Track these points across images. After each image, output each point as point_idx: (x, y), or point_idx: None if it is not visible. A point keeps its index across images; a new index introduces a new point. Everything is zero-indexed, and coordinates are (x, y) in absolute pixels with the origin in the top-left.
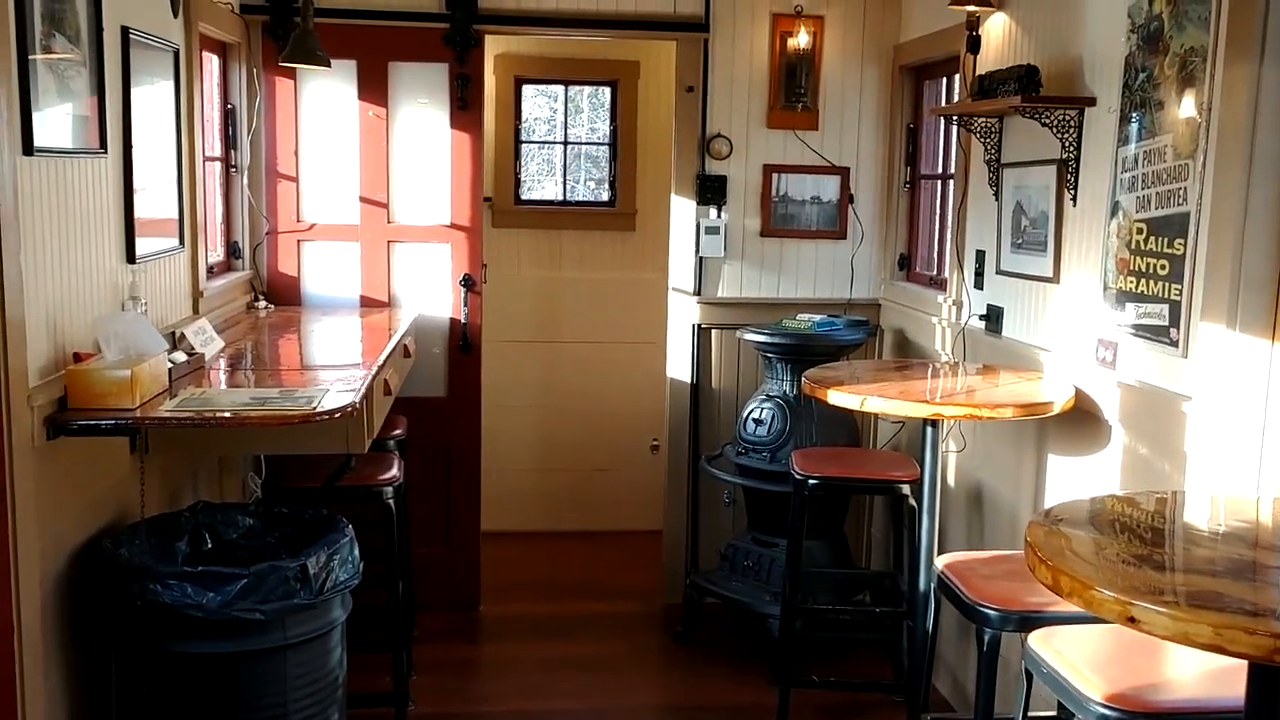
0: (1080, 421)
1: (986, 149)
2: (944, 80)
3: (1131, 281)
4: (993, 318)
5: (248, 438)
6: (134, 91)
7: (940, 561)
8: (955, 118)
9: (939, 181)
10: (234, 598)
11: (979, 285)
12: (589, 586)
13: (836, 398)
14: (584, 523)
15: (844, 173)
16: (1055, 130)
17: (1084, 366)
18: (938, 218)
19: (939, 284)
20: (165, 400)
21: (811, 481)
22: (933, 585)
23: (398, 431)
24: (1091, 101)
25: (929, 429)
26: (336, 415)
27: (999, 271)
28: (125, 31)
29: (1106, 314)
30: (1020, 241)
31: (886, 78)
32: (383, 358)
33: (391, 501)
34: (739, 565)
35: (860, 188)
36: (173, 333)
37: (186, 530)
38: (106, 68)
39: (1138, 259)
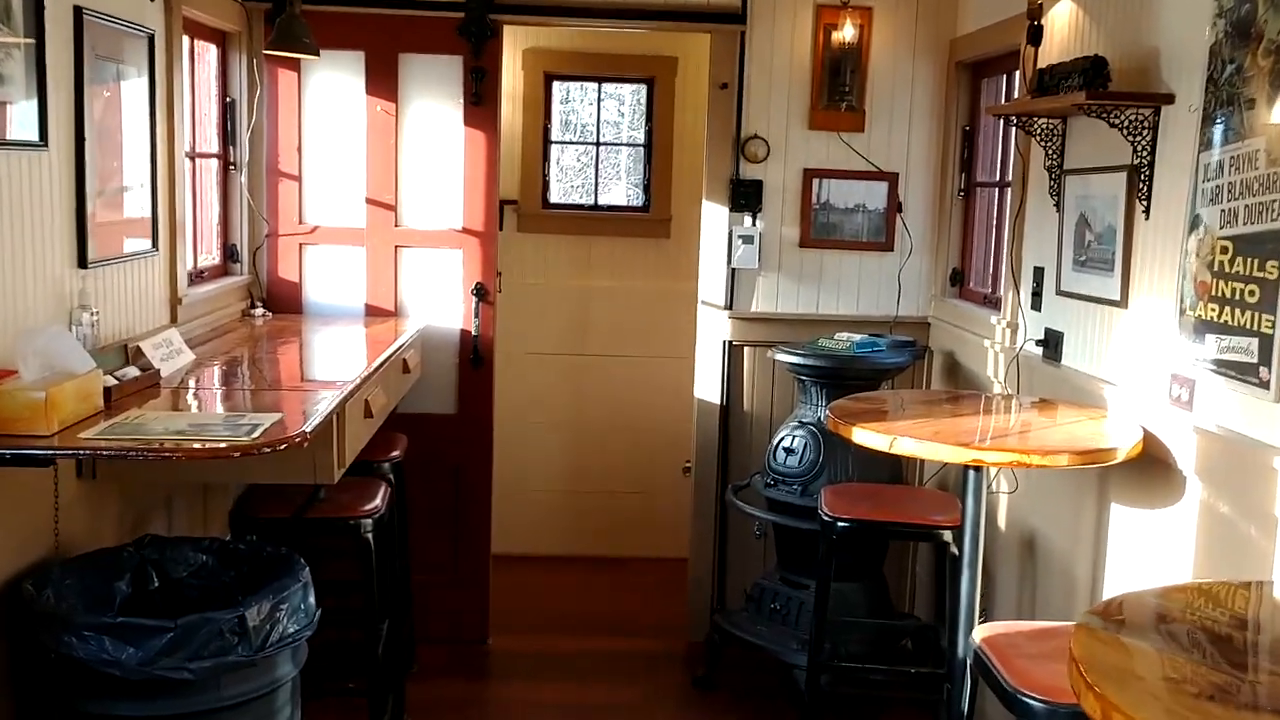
0: (1150, 469)
1: (1047, 153)
2: (1004, 78)
3: (1213, 309)
4: (1051, 344)
5: (192, 467)
6: (92, 80)
7: (978, 634)
8: (1013, 119)
9: (996, 190)
10: (158, 654)
11: (1036, 306)
12: (607, 620)
13: (862, 437)
14: (608, 548)
15: (892, 179)
16: (1126, 132)
17: (1154, 405)
18: (994, 230)
19: (994, 303)
20: (99, 423)
21: (841, 524)
22: (969, 661)
23: (395, 453)
24: (1169, 99)
25: (971, 473)
26: (281, 447)
27: (1059, 292)
28: (79, 12)
29: (1182, 346)
30: (1084, 259)
31: (940, 75)
32: (358, 378)
33: (370, 536)
34: (765, 607)
35: (910, 195)
36: (125, 346)
37: (129, 568)
38: (51, 52)
39: (1221, 283)
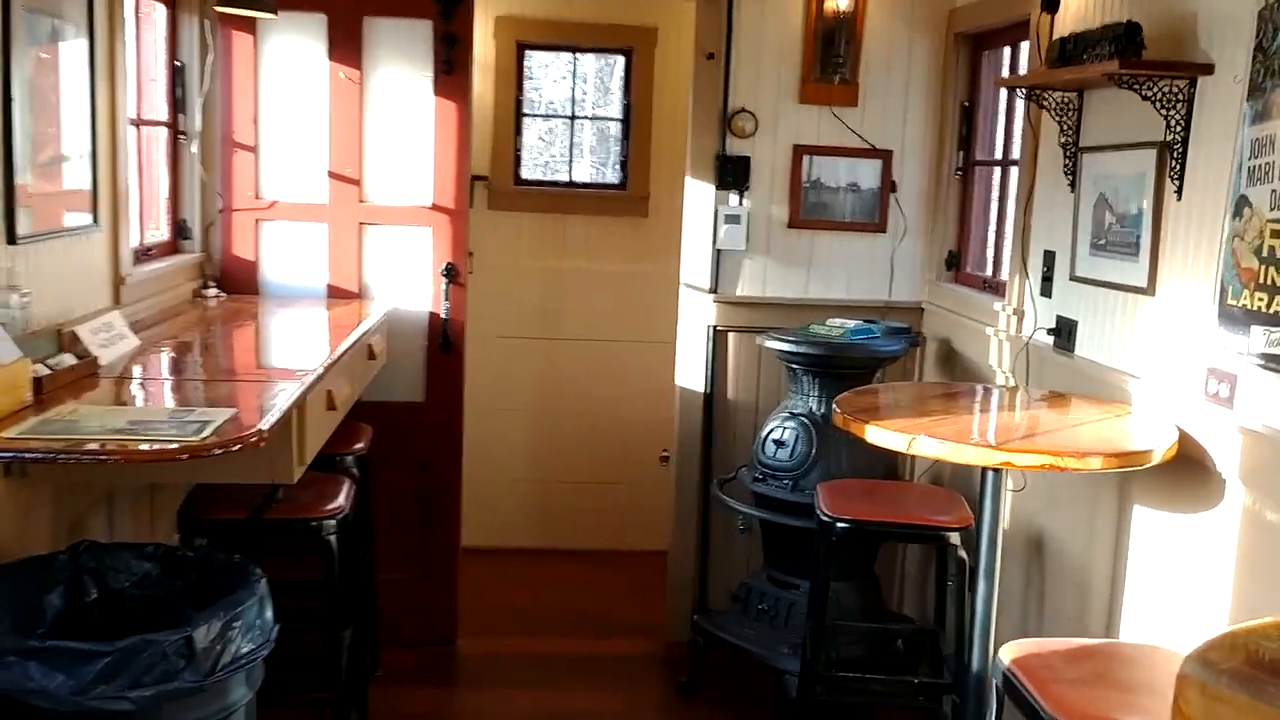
0: (1182, 470)
1: (1063, 129)
2: (1006, 50)
3: (1261, 298)
4: (1063, 332)
5: (134, 469)
6: (22, 37)
7: (1006, 653)
8: (1024, 93)
9: (998, 168)
10: (93, 681)
11: (1046, 293)
12: (582, 619)
13: (877, 436)
14: (583, 541)
15: (886, 156)
16: (1159, 105)
17: (1188, 401)
18: (995, 210)
19: (995, 288)
20: (27, 419)
21: (841, 524)
22: (995, 682)
23: (358, 445)
24: (1207, 69)
25: (990, 475)
26: (234, 448)
27: (1073, 277)
28: None
29: (1222, 338)
30: (1103, 242)
31: (939, 47)
32: (320, 368)
33: (333, 538)
34: (753, 608)
35: (904, 174)
36: (59, 331)
37: (63, 578)
38: None
39: (1271, 270)
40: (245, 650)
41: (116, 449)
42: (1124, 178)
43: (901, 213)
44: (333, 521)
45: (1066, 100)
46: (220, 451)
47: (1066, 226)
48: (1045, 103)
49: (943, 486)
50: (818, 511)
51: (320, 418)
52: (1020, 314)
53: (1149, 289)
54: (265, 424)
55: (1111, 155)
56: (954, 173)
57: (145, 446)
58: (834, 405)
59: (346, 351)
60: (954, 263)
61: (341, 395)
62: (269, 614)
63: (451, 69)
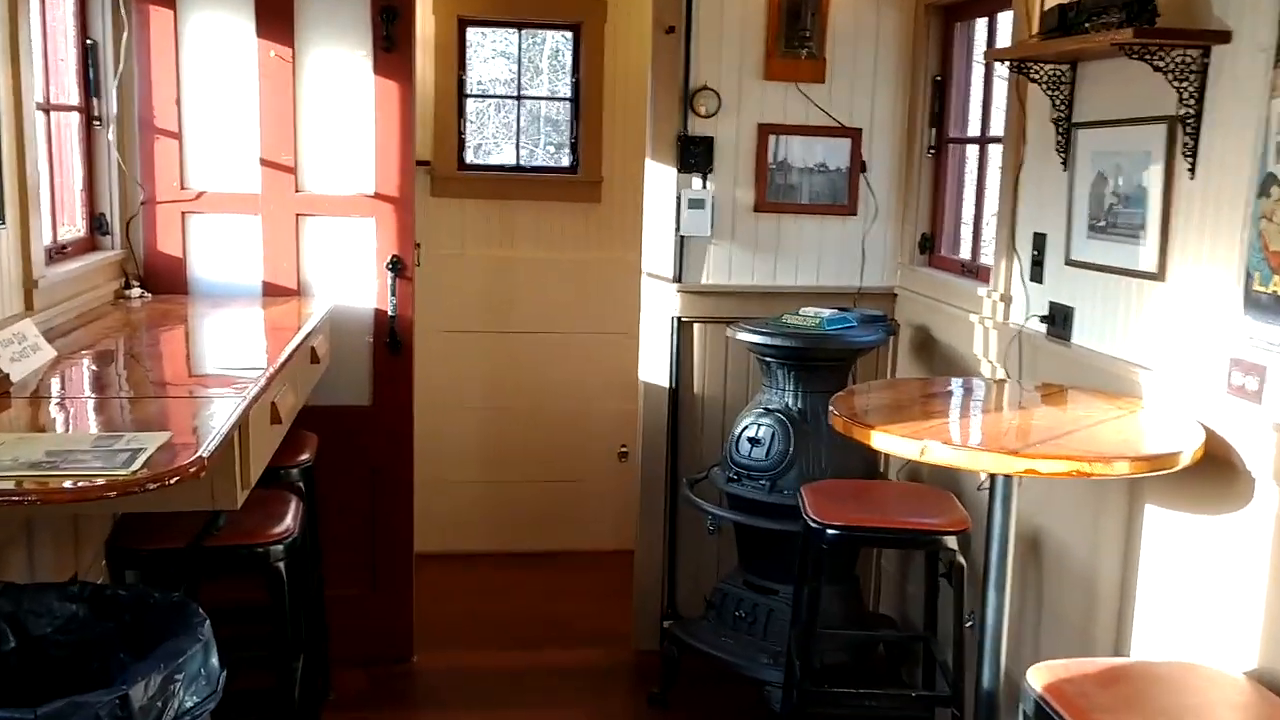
0: (1203, 469)
1: (1055, 104)
2: (982, 22)
3: None
4: (1058, 320)
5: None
6: None
7: (1036, 679)
8: (1012, 66)
9: (975, 146)
10: None
11: (1037, 277)
12: (545, 628)
13: (885, 443)
14: (541, 542)
15: (855, 135)
16: (1173, 77)
17: (1208, 395)
18: (972, 190)
19: (975, 272)
20: None
21: (832, 532)
22: (1025, 709)
23: (303, 456)
24: (1223, 37)
25: (1000, 481)
26: (171, 481)
27: (1069, 261)
28: None
29: (1249, 327)
30: (1103, 224)
31: (909, 19)
32: (264, 378)
33: (282, 564)
34: (728, 615)
35: (875, 153)
36: None
37: None
38: None
39: None
40: (189, 705)
41: (35, 488)
42: (1127, 155)
43: (872, 194)
44: (280, 546)
45: (1058, 73)
46: (156, 486)
47: (1060, 207)
48: (1036, 76)
49: (924, 483)
50: (804, 517)
51: (265, 434)
52: (1008, 300)
53: (1159, 274)
54: (206, 450)
55: (1112, 131)
56: (926, 151)
57: (68, 484)
58: (831, 408)
59: (290, 357)
60: (928, 245)
61: (286, 406)
62: (214, 661)
63: (392, 46)
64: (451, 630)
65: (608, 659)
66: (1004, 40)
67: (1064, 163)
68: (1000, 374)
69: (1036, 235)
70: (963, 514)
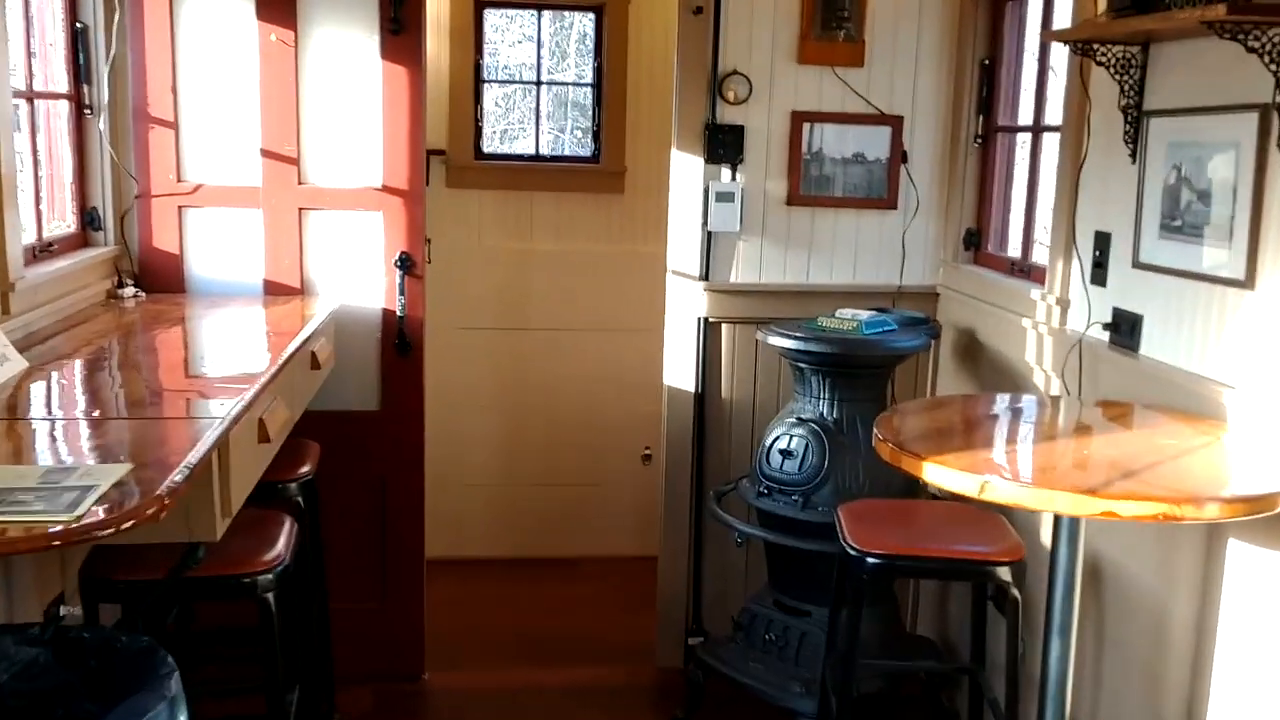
0: None
1: (1124, 90)
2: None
3: None
4: (1124, 328)
5: None
6: None
7: None
8: (1075, 48)
9: (1028, 135)
10: None
11: (1099, 280)
12: (563, 641)
13: (940, 476)
14: (559, 548)
15: (896, 123)
16: (1269, 59)
17: None
18: (1023, 183)
19: (1027, 273)
20: None
21: (873, 560)
22: None
23: (303, 469)
24: None
25: (1065, 522)
26: (125, 525)
27: (1137, 264)
28: None
29: None
30: (1178, 223)
31: None
32: (247, 396)
33: (271, 595)
34: (757, 638)
35: (916, 143)
36: None
37: None
38: None
39: None
40: None
41: None
42: (1210, 146)
43: (914, 186)
44: (270, 576)
45: (1128, 55)
46: (108, 532)
47: (1127, 204)
48: (1101, 58)
49: (971, 504)
50: (842, 543)
51: (250, 455)
52: (1065, 304)
53: (1246, 281)
54: (168, 486)
55: (1192, 119)
56: (973, 141)
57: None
58: (875, 432)
59: (283, 368)
60: (973, 242)
61: (277, 422)
62: (183, 716)
63: (401, 28)
64: (464, 644)
65: (629, 677)
66: (1061, 19)
67: (1133, 155)
68: (1055, 385)
69: (1099, 234)
70: (1015, 540)
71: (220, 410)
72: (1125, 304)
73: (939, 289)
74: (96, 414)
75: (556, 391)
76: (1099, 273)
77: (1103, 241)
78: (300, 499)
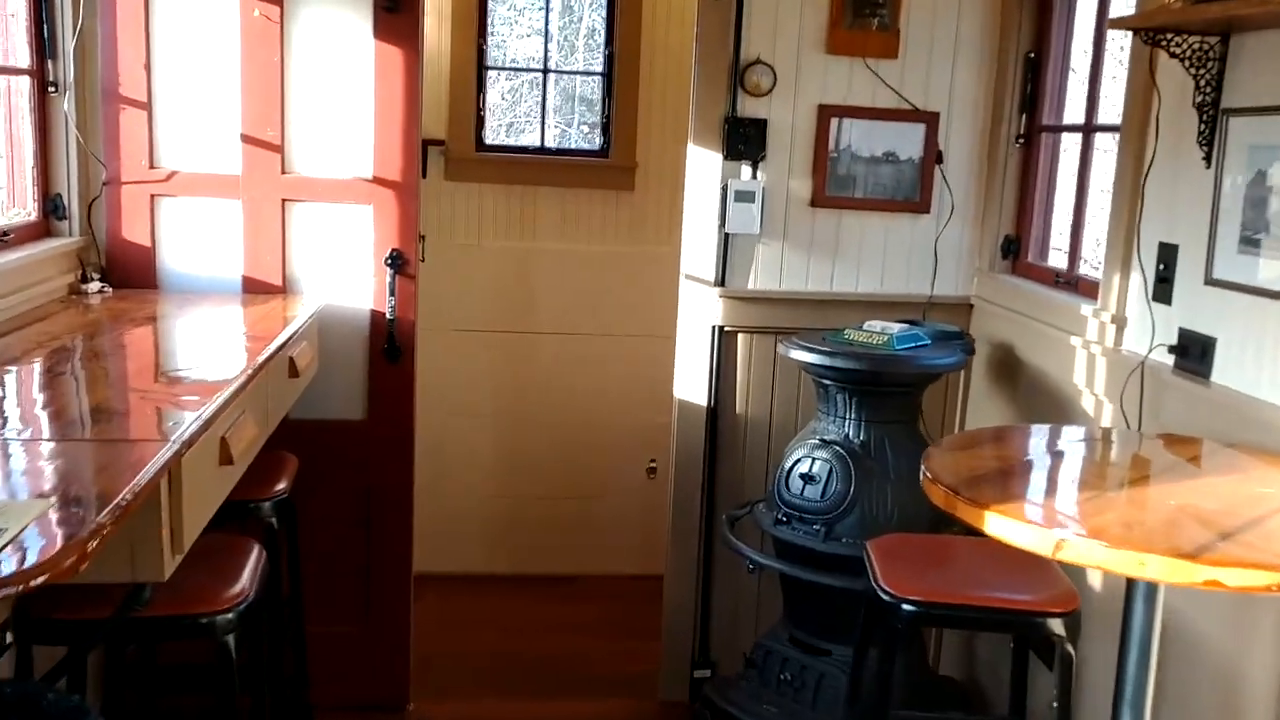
0: None
1: (1199, 85)
2: None
3: None
4: (1193, 352)
5: None
6: None
7: None
8: (1144, 38)
9: (1078, 135)
10: None
11: (1163, 297)
12: (560, 668)
13: (1007, 531)
14: (557, 565)
15: (931, 120)
16: None
17: None
18: (1069, 187)
19: (1074, 285)
20: None
21: (908, 608)
22: None
23: (279, 486)
24: None
25: (1140, 585)
26: (36, 581)
27: (1211, 280)
28: None
29: None
30: (1259, 236)
31: None
32: (208, 411)
33: (231, 637)
34: (771, 677)
35: (952, 142)
36: None
37: None
38: None
39: None
40: None
41: None
42: None
43: (949, 188)
44: (230, 616)
45: (1205, 47)
46: (11, 591)
47: (1200, 213)
48: (1175, 49)
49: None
50: (874, 585)
51: (208, 481)
52: (1121, 322)
53: None
54: (93, 527)
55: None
56: (1015, 140)
57: None
58: (924, 472)
59: (252, 378)
60: (1012, 250)
61: (243, 441)
62: None
63: (397, 5)
64: (454, 672)
65: (629, 712)
66: (1121, 7)
67: (1207, 158)
68: (1107, 411)
69: (1164, 246)
70: (1068, 587)
71: (175, 429)
72: (1194, 325)
73: (973, 300)
74: (29, 434)
75: (557, 399)
76: (1163, 289)
77: (1168, 254)
78: (274, 519)
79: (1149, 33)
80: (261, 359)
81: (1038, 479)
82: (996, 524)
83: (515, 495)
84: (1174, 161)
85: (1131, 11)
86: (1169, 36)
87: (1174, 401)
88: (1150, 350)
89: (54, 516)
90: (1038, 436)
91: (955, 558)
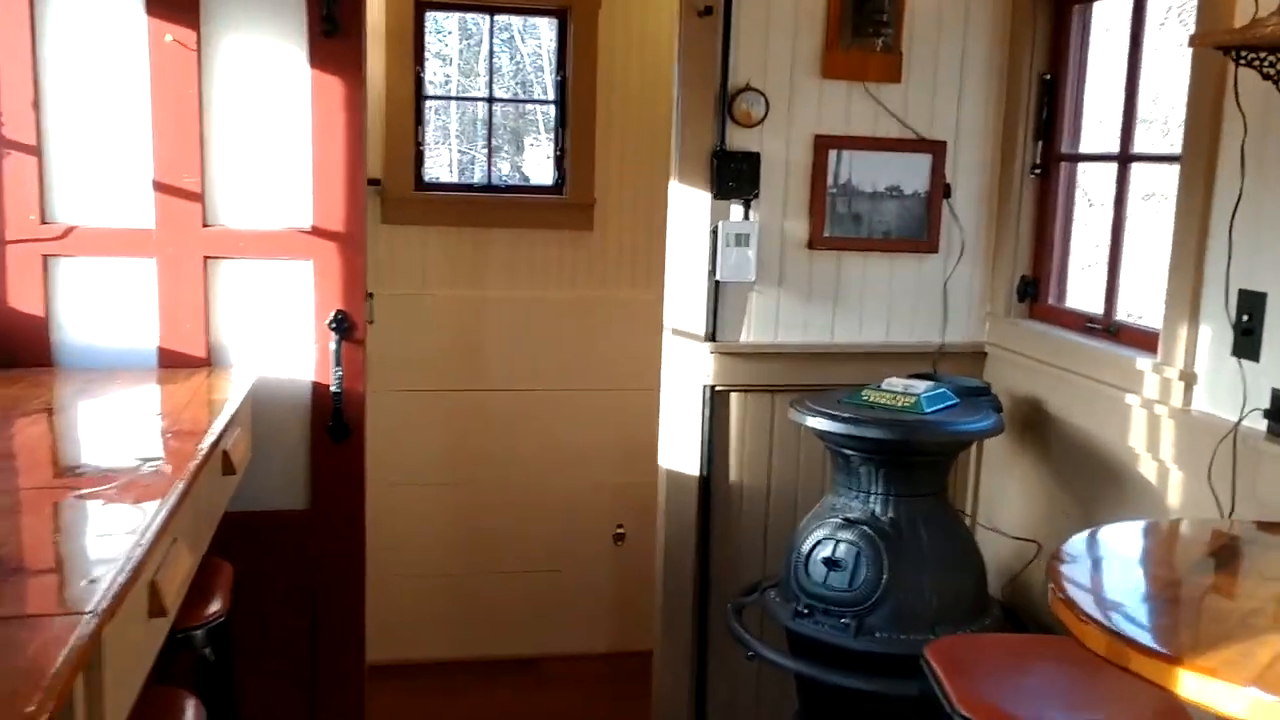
0: None
1: None
2: (1101, 5)
3: None
4: None
5: None
6: None
7: None
8: (1233, 57)
9: (1115, 164)
10: None
11: (1247, 352)
12: None
13: (1201, 692)
14: (523, 646)
15: (938, 149)
16: None
17: None
18: (1097, 221)
19: (1115, 334)
20: None
21: None
22: None
23: (212, 609)
24: None
25: None
26: None
27: None
28: None
29: None
30: None
31: (1006, 2)
32: (137, 553)
33: None
34: None
35: (961, 173)
36: None
37: None
38: None
39: None
40: None
41: None
42: None
43: (958, 225)
44: None
45: None
46: None
47: None
48: (1269, 70)
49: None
50: (945, 705)
51: (135, 647)
52: (1189, 379)
53: None
54: None
55: None
56: (1030, 171)
57: None
58: (1056, 599)
59: (185, 495)
60: (1029, 292)
61: (177, 580)
62: None
63: (335, 29)
64: None
65: None
66: (1151, 25)
67: None
68: (1174, 480)
69: (1246, 294)
70: (1177, 702)
71: (89, 592)
72: None
73: (987, 348)
74: None
75: (514, 462)
76: (1247, 342)
77: (1253, 303)
78: (208, 648)
79: (1240, 51)
80: (194, 466)
81: (1196, 608)
82: (1197, 688)
83: (470, 571)
84: (1258, 196)
85: (1160, 28)
86: (1263, 55)
87: (1271, 475)
88: (1243, 416)
89: None
90: (1188, 539)
91: (1031, 663)
